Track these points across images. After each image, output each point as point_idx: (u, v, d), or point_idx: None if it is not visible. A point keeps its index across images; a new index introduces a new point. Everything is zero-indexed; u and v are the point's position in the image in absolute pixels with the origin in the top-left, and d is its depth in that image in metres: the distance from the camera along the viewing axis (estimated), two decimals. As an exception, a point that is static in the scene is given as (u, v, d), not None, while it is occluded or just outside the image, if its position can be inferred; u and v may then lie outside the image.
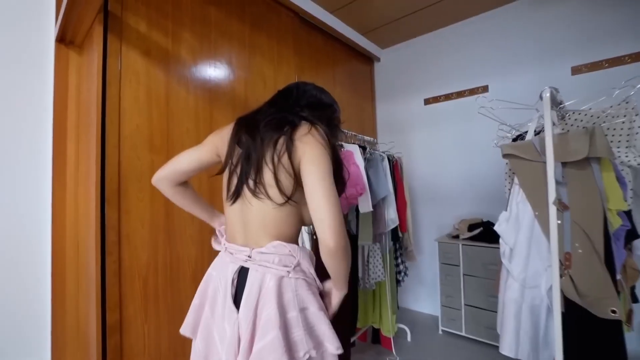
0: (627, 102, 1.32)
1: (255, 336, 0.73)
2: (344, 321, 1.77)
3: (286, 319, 0.72)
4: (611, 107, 1.35)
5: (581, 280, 1.10)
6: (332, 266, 0.75)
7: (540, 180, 1.20)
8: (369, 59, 3.14)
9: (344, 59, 2.82)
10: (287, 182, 0.76)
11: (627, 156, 1.26)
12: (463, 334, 2.27)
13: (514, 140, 1.54)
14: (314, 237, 1.68)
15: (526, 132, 1.40)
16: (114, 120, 1.32)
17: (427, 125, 2.86)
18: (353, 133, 2.15)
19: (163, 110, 1.49)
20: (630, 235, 1.21)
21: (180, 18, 1.59)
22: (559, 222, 1.11)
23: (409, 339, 2.35)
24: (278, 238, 0.79)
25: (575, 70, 2.13)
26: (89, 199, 1.32)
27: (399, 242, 2.25)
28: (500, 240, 1.35)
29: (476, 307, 2.20)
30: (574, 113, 1.46)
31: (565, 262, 1.12)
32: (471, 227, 2.36)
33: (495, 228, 1.37)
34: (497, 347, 1.43)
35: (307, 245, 1.76)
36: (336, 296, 0.83)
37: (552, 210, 1.12)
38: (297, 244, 0.83)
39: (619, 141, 1.31)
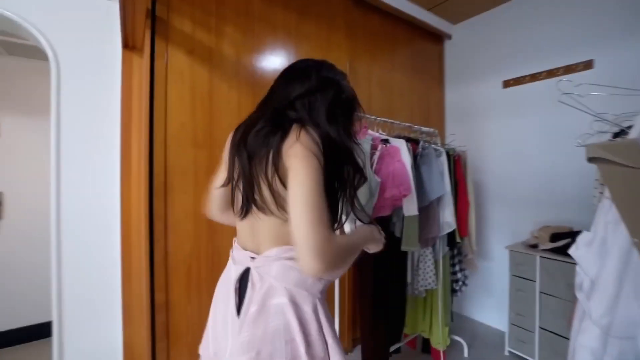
0: None
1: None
2: (379, 330, 1.66)
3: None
4: None
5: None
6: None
7: (643, 194, 0.88)
8: (437, 38, 2.78)
9: (406, 40, 2.54)
10: (287, 197, 0.70)
11: None
12: (535, 360, 1.93)
13: (615, 137, 1.17)
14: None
15: (630, 127, 1.04)
16: (160, 119, 1.42)
17: (505, 113, 2.43)
18: (407, 124, 1.94)
19: (206, 106, 1.54)
20: None
21: (223, 13, 1.60)
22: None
23: (465, 354, 2.10)
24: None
25: None
26: (140, 191, 1.46)
27: (456, 247, 2.00)
28: (577, 268, 1.05)
29: (554, 334, 1.84)
30: None
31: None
32: (555, 237, 1.94)
33: (571, 252, 1.06)
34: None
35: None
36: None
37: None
38: None
39: None
